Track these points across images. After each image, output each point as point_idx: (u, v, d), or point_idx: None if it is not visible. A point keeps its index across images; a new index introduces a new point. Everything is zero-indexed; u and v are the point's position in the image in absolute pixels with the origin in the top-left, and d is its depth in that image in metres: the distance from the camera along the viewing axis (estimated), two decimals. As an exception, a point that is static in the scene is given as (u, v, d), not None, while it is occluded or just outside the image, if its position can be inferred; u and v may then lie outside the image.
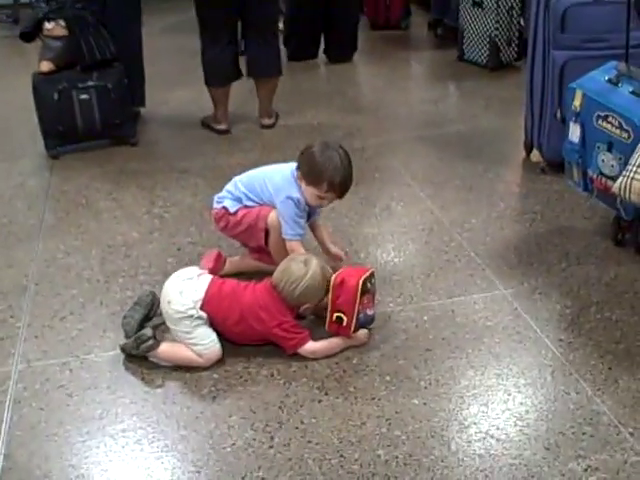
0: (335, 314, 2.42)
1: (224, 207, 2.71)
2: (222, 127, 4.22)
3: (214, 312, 2.39)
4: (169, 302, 2.40)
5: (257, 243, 2.73)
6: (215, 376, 2.35)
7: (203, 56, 4.09)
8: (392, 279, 2.80)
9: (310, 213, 2.73)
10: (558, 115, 3.36)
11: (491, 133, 4.09)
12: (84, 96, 3.78)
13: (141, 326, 2.48)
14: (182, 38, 5.75)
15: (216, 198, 2.77)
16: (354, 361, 2.39)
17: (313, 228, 2.83)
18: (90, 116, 3.83)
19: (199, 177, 3.66)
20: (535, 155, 3.70)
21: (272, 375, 2.34)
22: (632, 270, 2.80)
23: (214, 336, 2.39)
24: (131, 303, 2.69)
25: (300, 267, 2.40)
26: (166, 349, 2.40)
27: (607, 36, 3.28)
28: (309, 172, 2.57)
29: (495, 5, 4.93)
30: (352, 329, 2.42)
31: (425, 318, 2.59)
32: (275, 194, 2.63)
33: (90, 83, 3.81)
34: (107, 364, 2.41)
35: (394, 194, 3.46)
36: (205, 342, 2.37)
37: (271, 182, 2.66)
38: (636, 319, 2.53)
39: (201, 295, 2.38)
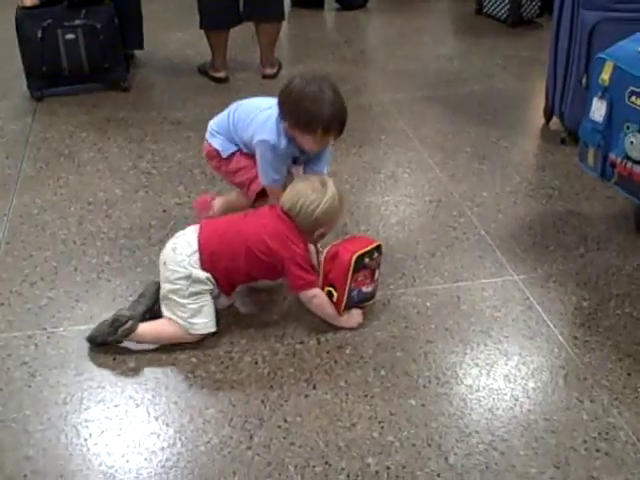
0: (326, 288, 2.22)
1: (215, 149, 2.46)
2: (220, 75, 3.94)
3: (216, 257, 2.13)
4: (164, 263, 2.17)
5: (248, 197, 2.50)
6: (193, 360, 2.13)
7: None
8: (394, 257, 2.56)
9: (308, 160, 2.44)
10: (584, 81, 3.08)
11: (508, 96, 3.81)
12: (70, 36, 3.49)
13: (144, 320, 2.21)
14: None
15: (209, 127, 2.52)
16: (347, 351, 2.17)
17: None
18: (77, 58, 3.54)
19: (192, 130, 3.39)
20: (555, 123, 3.43)
21: (256, 363, 2.12)
22: (656, 260, 2.57)
23: (213, 315, 2.17)
24: (107, 269, 2.49)
25: (317, 186, 2.17)
26: (147, 328, 2.17)
27: (644, -2, 3.00)
28: (299, 121, 2.24)
29: (519, -44, 4.59)
30: (343, 306, 2.21)
31: (428, 304, 2.36)
32: (254, 135, 2.36)
33: (77, 22, 3.51)
34: (76, 340, 2.19)
35: (401, 159, 3.20)
36: (202, 321, 2.14)
37: (255, 121, 2.38)
38: (659, 317, 2.31)
39: (195, 247, 2.14)
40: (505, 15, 4.78)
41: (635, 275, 2.49)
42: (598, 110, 2.51)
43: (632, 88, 2.39)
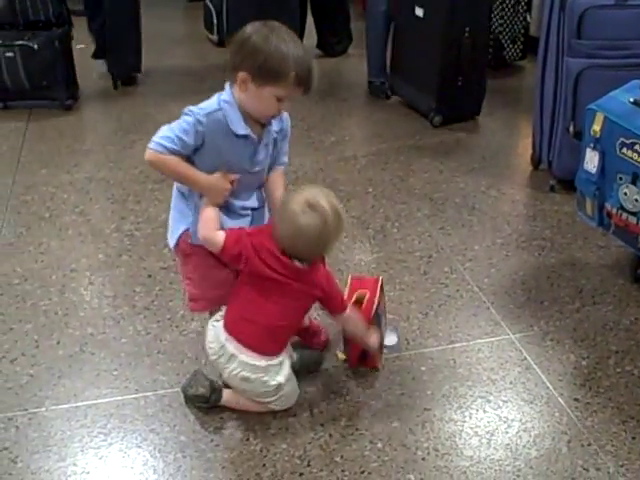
0: (356, 294, 2.21)
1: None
2: None
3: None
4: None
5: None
6: (182, 439, 2.04)
7: None
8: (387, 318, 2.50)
9: (271, 160, 2.06)
10: (571, 129, 3.06)
11: (495, 142, 3.78)
12: (9, 54, 3.89)
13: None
14: None
15: None
16: (342, 423, 2.09)
17: (269, 182, 2.11)
18: (16, 74, 3.94)
19: (176, 188, 3.33)
20: (543, 169, 3.39)
21: (247, 439, 2.04)
22: (654, 312, 2.51)
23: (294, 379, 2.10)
24: (91, 342, 2.40)
25: (312, 217, 1.89)
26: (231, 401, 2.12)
27: (629, 43, 2.98)
28: (263, 66, 1.84)
29: (500, 0, 4.60)
30: (371, 314, 2.16)
31: (423, 368, 2.29)
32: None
33: (16, 42, 3.90)
34: (59, 420, 2.10)
35: (389, 213, 3.14)
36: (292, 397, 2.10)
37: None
38: (661, 374, 2.25)
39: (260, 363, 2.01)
40: (488, 58, 4.76)
41: (633, 330, 2.44)
42: (591, 161, 2.49)
43: (622, 139, 2.36)
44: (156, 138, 1.91)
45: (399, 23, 4.18)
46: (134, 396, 2.19)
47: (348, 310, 2.08)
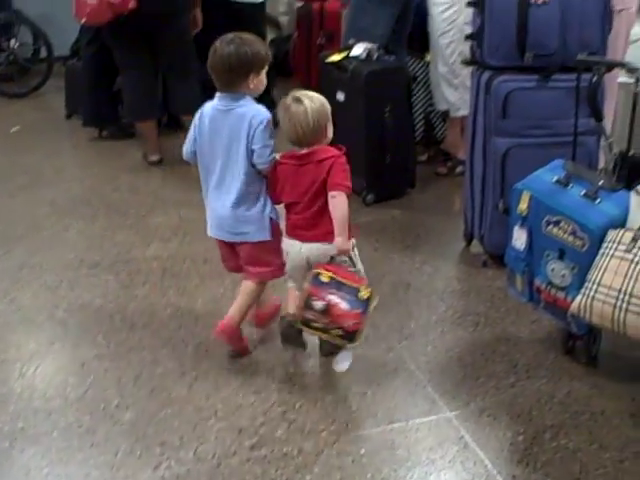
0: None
1: None
2: (153, 159, 4.57)
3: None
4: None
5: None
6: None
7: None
8: (325, 399, 2.49)
9: None
10: (500, 206, 3.14)
11: (428, 219, 3.85)
12: None
13: None
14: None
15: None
16: (281, 511, 2.06)
17: None
18: None
19: (111, 273, 3.30)
20: (475, 245, 3.46)
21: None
22: (585, 385, 2.55)
23: None
24: (20, 437, 2.34)
25: (297, 105, 2.41)
26: None
27: (551, 123, 3.09)
28: (257, 59, 2.49)
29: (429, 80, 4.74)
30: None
31: (362, 451, 2.27)
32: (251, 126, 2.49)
33: None
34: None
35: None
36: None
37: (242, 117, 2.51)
38: (595, 447, 2.27)
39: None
40: (419, 136, 4.89)
41: (566, 402, 2.47)
42: (519, 239, 2.56)
43: (549, 218, 2.44)
44: (269, 157, 2.49)
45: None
46: (65, 494, 2.12)
47: (339, 193, 2.42)
